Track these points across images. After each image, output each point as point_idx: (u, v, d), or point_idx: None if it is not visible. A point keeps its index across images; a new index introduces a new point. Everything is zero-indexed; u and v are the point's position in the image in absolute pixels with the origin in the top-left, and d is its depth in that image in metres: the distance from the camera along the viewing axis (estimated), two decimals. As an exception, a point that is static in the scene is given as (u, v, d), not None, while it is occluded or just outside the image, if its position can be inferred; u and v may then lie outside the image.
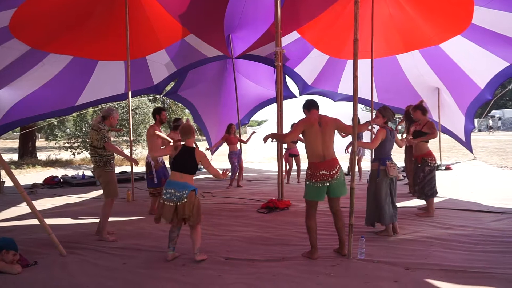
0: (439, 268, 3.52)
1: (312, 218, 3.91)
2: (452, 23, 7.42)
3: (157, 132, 5.95)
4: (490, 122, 30.45)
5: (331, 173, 3.81)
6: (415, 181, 5.77)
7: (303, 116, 4.09)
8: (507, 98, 42.30)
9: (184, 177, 3.81)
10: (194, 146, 4.05)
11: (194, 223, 3.80)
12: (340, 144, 8.31)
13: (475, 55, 7.91)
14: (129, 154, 7.49)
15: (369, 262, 3.74)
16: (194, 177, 3.92)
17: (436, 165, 5.61)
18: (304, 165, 10.41)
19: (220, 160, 14.88)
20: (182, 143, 3.99)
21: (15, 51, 6.85)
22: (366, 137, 10.17)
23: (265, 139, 4.15)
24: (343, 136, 7.54)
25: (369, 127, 4.91)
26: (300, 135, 4.09)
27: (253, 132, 9.39)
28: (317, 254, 3.90)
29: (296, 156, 9.18)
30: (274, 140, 4.16)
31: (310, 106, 4.03)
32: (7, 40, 6.51)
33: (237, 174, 8.95)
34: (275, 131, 6.72)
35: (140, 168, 12.67)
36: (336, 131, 4.05)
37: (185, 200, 3.71)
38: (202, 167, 11.65)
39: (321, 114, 3.98)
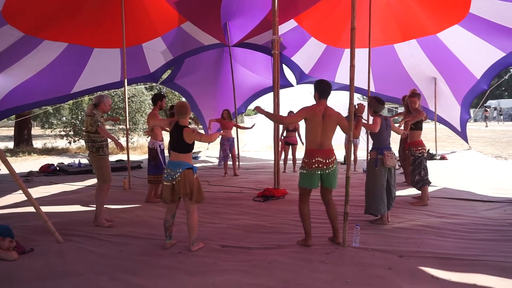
0: (432, 256, 3.57)
1: (305, 204, 3.94)
2: (449, 12, 7.39)
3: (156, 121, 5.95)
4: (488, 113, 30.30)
5: (327, 161, 3.83)
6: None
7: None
8: (503, 88, 42.42)
9: (180, 157, 3.80)
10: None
11: (197, 201, 3.83)
12: (339, 136, 8.35)
13: (472, 45, 7.89)
14: (125, 143, 7.45)
15: (364, 250, 3.78)
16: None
17: (423, 155, 5.60)
18: (300, 154, 10.44)
19: (217, 148, 14.89)
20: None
21: (9, 37, 6.75)
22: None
23: (258, 109, 4.14)
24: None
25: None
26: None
27: (253, 125, 9.32)
28: (311, 241, 3.93)
29: (294, 145, 9.17)
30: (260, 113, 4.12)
31: (322, 94, 3.93)
32: (0, 26, 6.42)
33: (228, 162, 8.91)
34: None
35: (137, 156, 12.67)
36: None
37: (179, 178, 3.72)
38: (199, 156, 11.60)
39: (328, 105, 3.93)
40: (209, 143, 4.24)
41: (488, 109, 28.68)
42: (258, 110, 4.21)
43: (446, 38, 8.10)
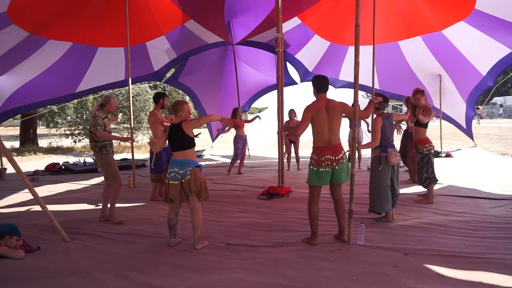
0: (437, 253, 3.56)
1: (315, 204, 3.92)
2: (455, 8, 7.33)
3: (159, 118, 5.98)
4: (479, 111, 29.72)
5: (337, 158, 3.81)
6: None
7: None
8: (509, 85, 42.04)
9: (186, 154, 3.82)
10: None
11: (205, 199, 3.86)
12: (343, 133, 8.34)
13: (477, 42, 7.83)
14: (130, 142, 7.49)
15: (369, 247, 3.78)
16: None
17: (430, 152, 5.54)
18: (304, 151, 10.42)
19: (222, 147, 14.92)
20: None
21: (15, 36, 6.79)
22: (365, 125, 10.17)
23: (280, 133, 4.18)
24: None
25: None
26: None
27: (257, 116, 9.32)
28: (317, 240, 3.93)
29: (295, 142, 9.16)
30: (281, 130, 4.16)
31: (320, 89, 3.90)
32: (5, 26, 6.46)
33: (238, 161, 8.92)
34: (276, 118, 6.69)
35: (141, 155, 12.71)
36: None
37: (189, 176, 3.74)
38: (203, 154, 11.55)
39: (328, 98, 3.91)
40: (207, 124, 4.26)
41: (480, 107, 28.53)
42: (281, 133, 4.22)
43: (451, 34, 8.04)
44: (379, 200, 4.53)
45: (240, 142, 8.59)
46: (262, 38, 8.18)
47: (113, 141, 5.01)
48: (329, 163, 3.80)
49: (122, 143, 16.33)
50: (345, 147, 10.46)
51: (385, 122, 4.56)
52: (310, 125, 3.90)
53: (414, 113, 5.91)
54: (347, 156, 3.98)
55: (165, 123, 5.98)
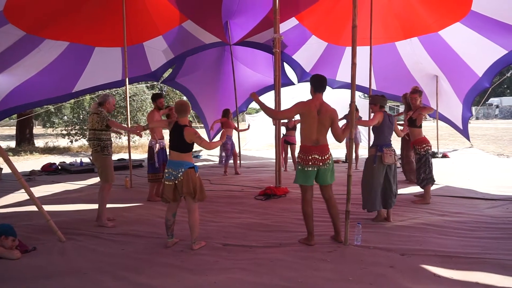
0: (434, 254, 3.57)
1: (308, 204, 3.93)
2: (451, 9, 7.36)
3: (154, 122, 5.96)
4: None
5: (323, 158, 3.83)
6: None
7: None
8: (505, 86, 42.26)
9: (181, 156, 3.80)
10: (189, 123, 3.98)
11: (199, 199, 3.84)
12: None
13: (473, 43, 7.86)
14: (127, 142, 7.48)
15: (365, 248, 3.78)
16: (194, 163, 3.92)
17: (427, 153, 5.55)
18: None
19: (219, 147, 14.91)
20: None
21: (11, 36, 6.76)
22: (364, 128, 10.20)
23: (253, 96, 4.20)
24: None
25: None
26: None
27: (249, 126, 9.54)
28: (314, 240, 3.93)
29: (292, 144, 9.14)
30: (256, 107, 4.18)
31: (317, 89, 3.91)
32: (2, 25, 6.43)
33: (230, 161, 8.93)
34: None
35: (138, 155, 12.69)
36: None
37: (181, 178, 3.73)
38: (200, 155, 11.59)
39: (323, 101, 3.92)
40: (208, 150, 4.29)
41: None
42: (254, 97, 4.24)
43: (448, 35, 8.07)
44: (370, 198, 4.55)
45: (228, 143, 8.64)
46: (260, 39, 8.18)
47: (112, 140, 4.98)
48: (315, 162, 3.81)
49: (119, 142, 16.30)
50: (343, 147, 10.46)
51: (386, 119, 4.57)
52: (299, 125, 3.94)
53: (409, 110, 5.96)
54: (333, 159, 3.98)
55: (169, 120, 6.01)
